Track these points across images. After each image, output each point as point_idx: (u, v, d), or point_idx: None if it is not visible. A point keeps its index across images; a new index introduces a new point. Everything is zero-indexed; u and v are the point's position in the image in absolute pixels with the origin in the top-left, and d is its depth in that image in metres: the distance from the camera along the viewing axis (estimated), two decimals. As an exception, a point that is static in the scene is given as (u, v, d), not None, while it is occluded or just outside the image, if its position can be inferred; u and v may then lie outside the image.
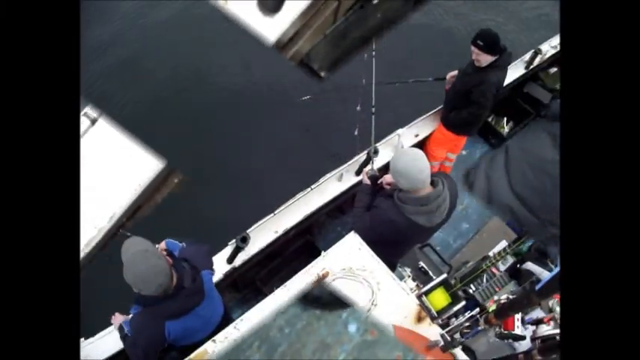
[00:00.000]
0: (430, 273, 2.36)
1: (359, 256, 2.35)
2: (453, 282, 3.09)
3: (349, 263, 2.31)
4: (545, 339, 2.04)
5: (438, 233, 4.81)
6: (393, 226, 2.90)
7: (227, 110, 6.29)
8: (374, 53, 4.04)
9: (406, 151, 2.84)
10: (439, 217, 2.92)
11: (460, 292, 3.90)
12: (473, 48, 4.02)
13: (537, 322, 2.16)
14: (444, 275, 2.15)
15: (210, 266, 2.89)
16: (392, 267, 3.09)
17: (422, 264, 2.42)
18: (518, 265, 4.32)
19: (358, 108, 4.12)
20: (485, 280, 4.14)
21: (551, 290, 1.89)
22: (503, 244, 4.60)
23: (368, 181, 3.30)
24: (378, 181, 3.25)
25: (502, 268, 4.36)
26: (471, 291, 4.02)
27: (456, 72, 4.51)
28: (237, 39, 6.04)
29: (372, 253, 2.30)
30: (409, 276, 2.37)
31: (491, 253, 4.45)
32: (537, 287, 1.71)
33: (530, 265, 4.27)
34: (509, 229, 4.76)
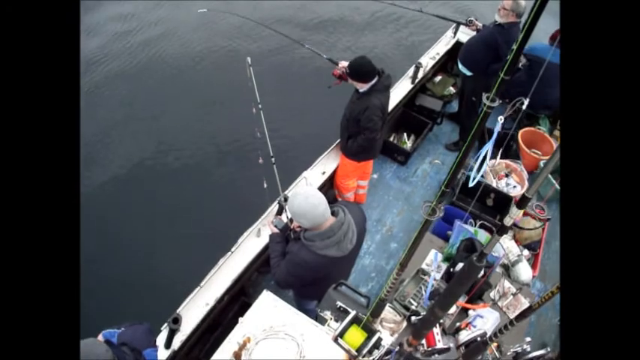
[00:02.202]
0: (350, 310, 2.38)
1: (276, 312, 2.35)
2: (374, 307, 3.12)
3: (269, 322, 2.31)
4: (468, 343, 2.11)
5: (369, 259, 4.95)
6: (309, 266, 2.94)
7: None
8: (260, 106, 4.13)
9: (297, 192, 2.89)
10: (349, 243, 2.97)
11: (400, 312, 3.97)
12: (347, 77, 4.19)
13: (457, 330, 2.23)
14: (353, 313, 2.19)
15: (152, 344, 2.83)
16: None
17: (339, 303, 2.44)
18: (451, 269, 4.42)
19: (260, 161, 4.16)
20: (424, 293, 4.22)
21: (446, 301, 1.97)
22: (433, 253, 4.69)
23: (275, 230, 3.34)
24: (292, 227, 3.29)
25: (438, 276, 4.45)
26: (413, 307, 4.08)
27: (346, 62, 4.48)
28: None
29: (288, 306, 2.31)
30: (330, 318, 2.39)
31: (424, 266, 4.53)
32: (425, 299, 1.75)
33: (461, 266, 4.38)
34: (435, 236, 4.87)
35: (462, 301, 4.19)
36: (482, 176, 5.64)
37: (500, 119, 1.63)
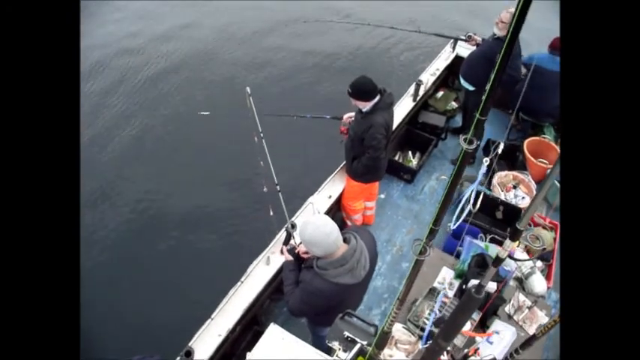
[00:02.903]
0: (358, 340, 2.37)
1: (284, 346, 2.34)
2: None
3: (276, 355, 2.31)
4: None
5: (382, 280, 4.93)
6: (323, 295, 2.92)
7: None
8: (262, 135, 4.16)
9: (309, 220, 2.88)
10: (362, 270, 2.95)
11: (415, 333, 3.94)
12: (350, 97, 4.21)
13: (465, 358, 2.21)
14: (357, 345, 2.19)
15: None
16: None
17: (347, 333, 2.43)
18: (463, 286, 4.39)
19: (265, 189, 4.18)
20: (438, 312, 4.19)
21: (449, 331, 1.96)
22: (445, 270, 4.66)
23: (289, 257, 3.33)
24: (297, 252, 3.30)
25: (450, 294, 4.42)
26: (427, 328, 4.06)
27: (352, 114, 4.65)
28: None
29: (295, 339, 2.31)
30: (339, 349, 2.38)
31: (436, 284, 4.51)
32: (424, 336, 1.75)
33: (474, 282, 4.34)
34: (446, 254, 4.84)
35: (475, 317, 4.16)
36: (489, 189, 5.65)
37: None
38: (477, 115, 1.37)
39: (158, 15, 11.19)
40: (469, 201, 1.70)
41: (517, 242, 1.63)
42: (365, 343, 2.34)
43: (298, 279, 3.17)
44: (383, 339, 2.31)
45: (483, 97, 1.35)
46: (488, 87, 1.35)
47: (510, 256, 1.70)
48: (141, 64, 9.44)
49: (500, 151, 1.68)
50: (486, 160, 1.79)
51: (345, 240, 2.94)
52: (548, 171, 6.02)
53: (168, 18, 11.06)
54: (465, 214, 1.71)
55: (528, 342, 2.34)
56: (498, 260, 1.67)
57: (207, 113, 4.59)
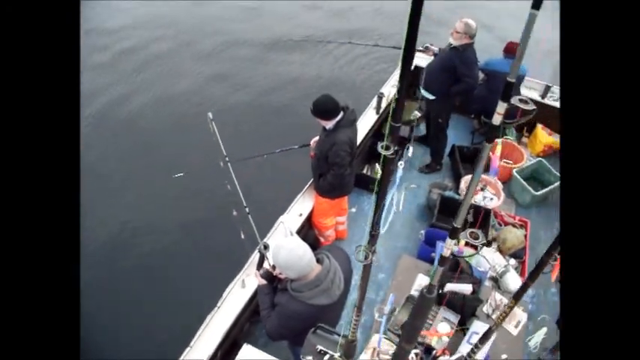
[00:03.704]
0: (329, 351, 2.40)
1: (259, 365, 2.34)
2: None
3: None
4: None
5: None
6: (300, 317, 2.92)
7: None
8: (227, 159, 4.19)
9: (281, 244, 2.89)
10: (337, 289, 2.96)
11: (395, 342, 3.95)
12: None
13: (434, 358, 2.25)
14: (327, 357, 2.21)
15: None
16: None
17: (319, 347, 2.45)
18: (440, 291, 4.43)
19: (234, 213, 4.19)
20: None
21: (410, 334, 2.00)
22: (421, 277, 4.69)
23: (263, 281, 3.33)
24: (271, 274, 3.30)
25: (427, 300, 4.46)
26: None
27: (317, 137, 4.70)
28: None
29: (268, 356, 2.31)
30: (313, 364, 2.40)
31: (413, 292, 4.54)
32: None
33: (449, 286, 4.40)
34: (420, 261, 4.88)
35: (454, 319, 4.20)
36: (457, 194, 5.74)
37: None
38: (390, 122, 1.41)
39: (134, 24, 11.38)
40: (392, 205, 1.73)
41: (458, 240, 1.67)
42: (337, 354, 2.36)
43: (274, 302, 3.17)
44: (349, 347, 2.33)
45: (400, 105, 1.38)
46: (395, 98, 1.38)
47: (454, 254, 1.75)
48: (111, 81, 9.50)
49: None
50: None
51: (318, 260, 2.95)
52: (514, 171, 6.15)
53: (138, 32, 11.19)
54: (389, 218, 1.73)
55: (486, 336, 2.39)
56: (443, 259, 1.72)
57: (182, 174, 4.61)
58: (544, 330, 4.42)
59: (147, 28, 11.57)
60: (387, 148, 1.45)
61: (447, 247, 1.68)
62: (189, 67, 10.18)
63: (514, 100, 1.49)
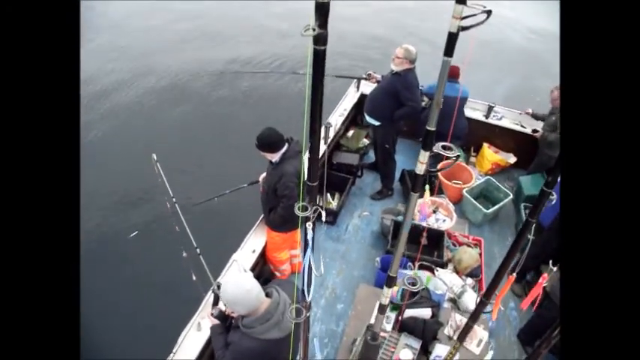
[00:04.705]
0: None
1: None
2: None
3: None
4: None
5: (320, 326, 4.87)
6: (254, 353, 2.86)
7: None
8: (174, 200, 4.10)
9: (228, 280, 2.89)
10: (289, 322, 2.92)
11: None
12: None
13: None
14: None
15: None
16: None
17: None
18: (399, 318, 4.41)
19: (185, 254, 4.09)
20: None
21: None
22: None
23: (215, 321, 3.25)
24: (225, 313, 3.22)
25: (389, 327, 4.43)
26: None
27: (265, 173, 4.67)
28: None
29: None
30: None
31: (372, 320, 4.49)
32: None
33: (409, 312, 4.38)
34: (378, 289, 4.85)
35: (416, 345, 4.17)
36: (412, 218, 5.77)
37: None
38: (303, 181, 1.40)
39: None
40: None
41: (395, 286, 1.67)
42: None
43: (227, 341, 3.10)
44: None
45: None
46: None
47: (392, 302, 1.75)
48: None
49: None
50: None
51: (267, 295, 2.93)
52: (464, 191, 6.23)
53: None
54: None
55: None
56: (381, 308, 1.71)
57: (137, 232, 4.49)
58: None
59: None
60: (304, 208, 1.41)
61: (385, 296, 1.66)
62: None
63: (437, 148, 1.50)
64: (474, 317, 2.28)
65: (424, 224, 5.71)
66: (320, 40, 1.13)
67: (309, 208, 1.39)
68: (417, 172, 1.47)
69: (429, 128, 1.44)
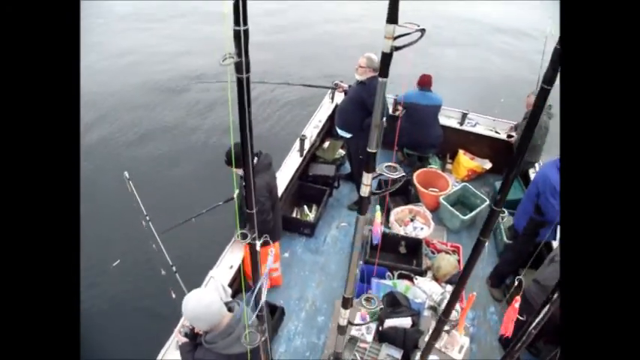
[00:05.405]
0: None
1: None
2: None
3: None
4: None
5: (301, 339, 4.84)
6: None
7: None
8: (148, 218, 4.05)
9: (188, 296, 2.86)
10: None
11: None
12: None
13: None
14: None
15: None
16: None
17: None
18: (380, 328, 4.40)
19: (163, 272, 4.06)
20: (360, 359, 4.17)
21: None
22: (359, 317, 4.65)
23: (183, 339, 3.21)
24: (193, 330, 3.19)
25: (369, 338, 4.42)
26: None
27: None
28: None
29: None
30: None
31: (353, 331, 4.48)
32: None
33: (389, 322, 4.37)
34: (357, 299, 4.83)
35: (398, 355, 4.16)
36: (387, 227, 5.77)
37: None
38: (245, 209, 1.39)
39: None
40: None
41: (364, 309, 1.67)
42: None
43: (194, 359, 3.06)
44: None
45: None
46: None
47: (350, 323, 1.73)
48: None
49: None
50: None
51: (229, 309, 2.92)
52: (441, 199, 6.27)
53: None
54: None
55: None
56: (340, 329, 1.70)
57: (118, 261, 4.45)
58: None
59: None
60: (244, 236, 1.40)
61: (343, 317, 1.65)
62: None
63: (380, 169, 1.49)
64: (435, 336, 2.27)
65: (402, 233, 5.73)
66: (241, 67, 1.11)
67: (249, 236, 1.38)
68: (362, 195, 1.45)
69: (370, 150, 1.42)
